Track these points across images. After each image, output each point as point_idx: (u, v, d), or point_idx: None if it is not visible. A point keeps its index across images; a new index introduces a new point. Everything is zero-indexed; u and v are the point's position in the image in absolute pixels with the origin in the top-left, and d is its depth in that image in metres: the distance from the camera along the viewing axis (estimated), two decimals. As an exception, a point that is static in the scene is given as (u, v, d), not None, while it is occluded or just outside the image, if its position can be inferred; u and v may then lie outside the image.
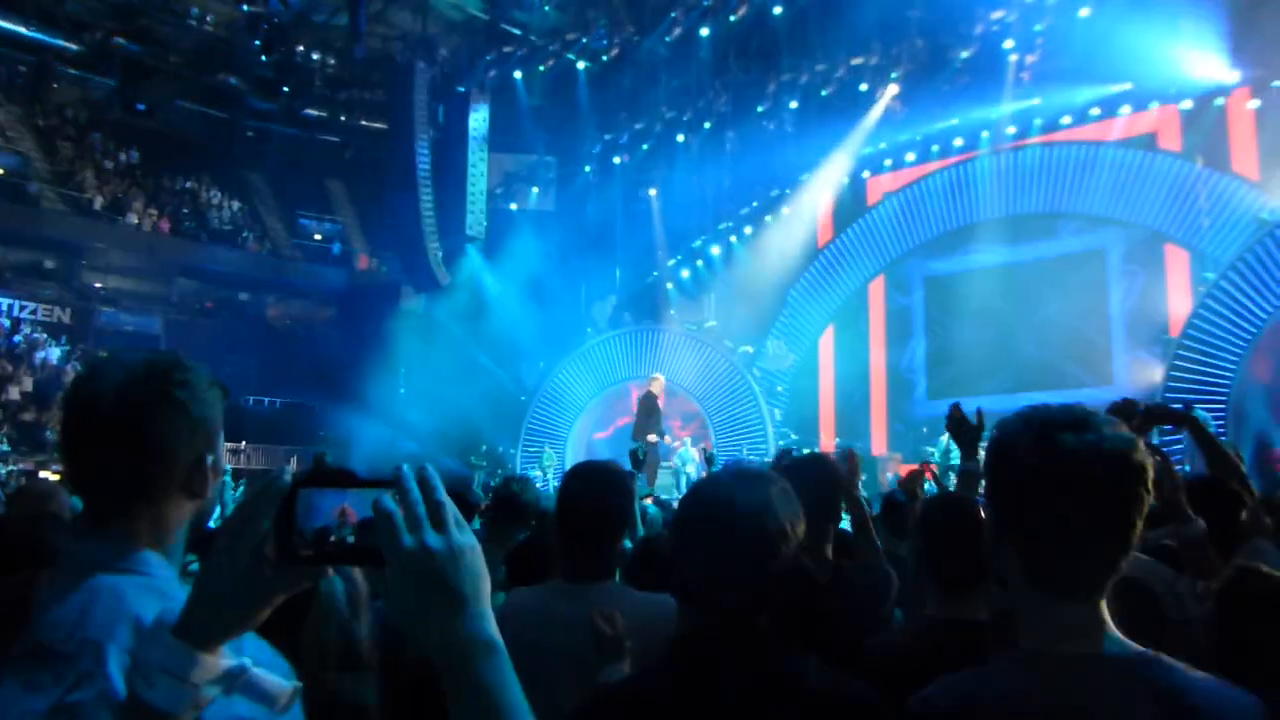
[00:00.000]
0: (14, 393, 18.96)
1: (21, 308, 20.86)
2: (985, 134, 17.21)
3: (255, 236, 24.62)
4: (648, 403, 13.60)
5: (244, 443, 19.17)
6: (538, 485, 2.83)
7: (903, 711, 1.44)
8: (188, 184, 24.02)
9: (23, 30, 19.76)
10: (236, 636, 1.00)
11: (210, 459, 1.33)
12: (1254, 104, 14.90)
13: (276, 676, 1.04)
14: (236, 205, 24.75)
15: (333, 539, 0.99)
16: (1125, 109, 16.00)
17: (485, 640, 0.94)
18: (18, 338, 20.16)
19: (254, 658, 1.03)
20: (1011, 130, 16.91)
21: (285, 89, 20.40)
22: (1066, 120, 16.52)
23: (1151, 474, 1.37)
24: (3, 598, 1.29)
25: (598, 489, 2.58)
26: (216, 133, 20.68)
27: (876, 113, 18.28)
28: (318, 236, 25.17)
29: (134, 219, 22.32)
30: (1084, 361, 15.85)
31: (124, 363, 1.30)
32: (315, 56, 19.85)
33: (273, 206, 24.97)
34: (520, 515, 4.22)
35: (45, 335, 20.68)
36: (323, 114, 21.63)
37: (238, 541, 0.99)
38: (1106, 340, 16.09)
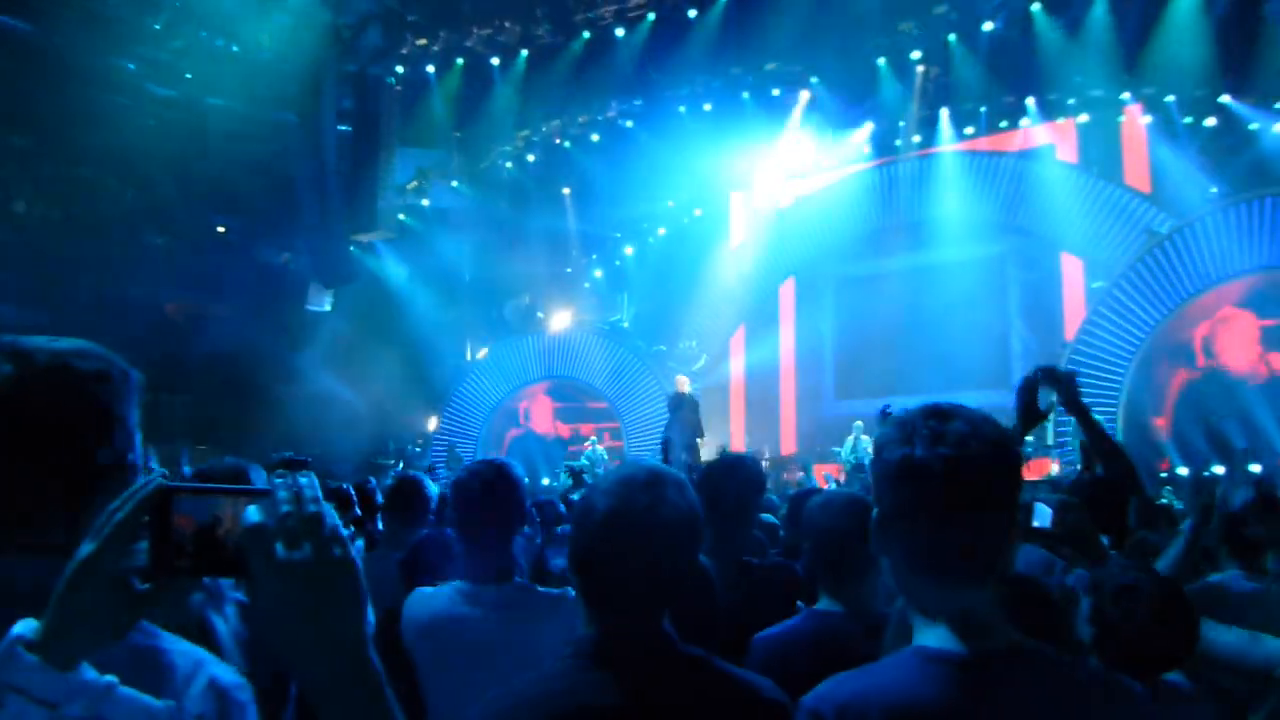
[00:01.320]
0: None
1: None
2: (896, 142, 17.65)
3: (154, 229, 23.72)
4: (690, 404, 13.50)
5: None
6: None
7: (796, 709, 1.45)
8: (82, 173, 23.01)
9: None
10: (102, 651, 0.93)
11: (131, 458, 1.21)
12: (1146, 119, 15.58)
13: (147, 697, 0.97)
14: (134, 196, 23.80)
15: (207, 549, 0.94)
16: (1025, 121, 16.58)
17: (361, 662, 0.89)
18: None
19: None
20: (917, 139, 17.37)
21: (188, 75, 19.69)
22: (970, 130, 17.05)
23: (1021, 463, 1.40)
24: None
25: (495, 487, 2.56)
26: (115, 120, 19.82)
27: (790, 118, 18.56)
28: (220, 229, 24.38)
29: (21, 206, 21.29)
30: (983, 365, 16.35)
31: (24, 353, 1.16)
32: (220, 42, 19.20)
33: (173, 198, 24.10)
34: (416, 514, 4.15)
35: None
36: (223, 102, 20.94)
37: (105, 550, 0.92)
38: (1004, 344, 16.65)
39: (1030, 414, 3.05)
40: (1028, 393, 2.96)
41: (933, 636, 1.40)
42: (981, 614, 1.39)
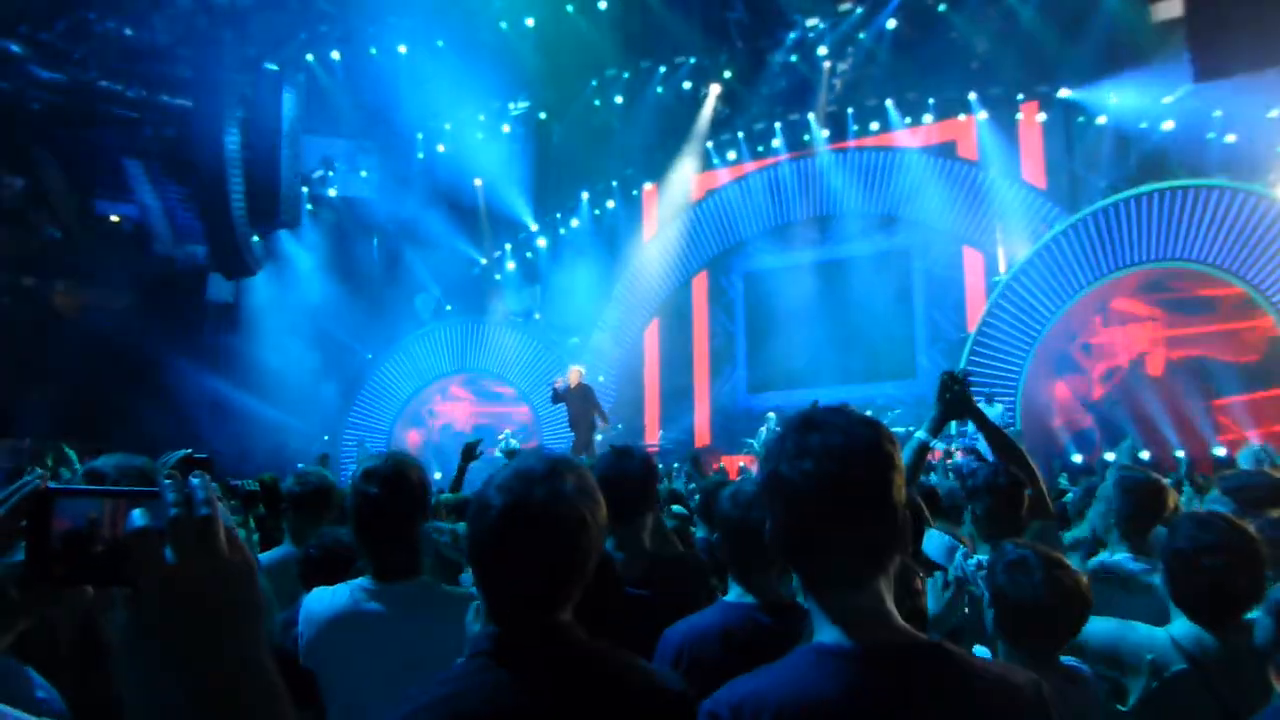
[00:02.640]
0: None
1: None
2: (803, 137, 17.89)
3: (43, 218, 22.69)
4: (582, 391, 13.63)
5: (28, 440, 17.66)
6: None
7: (698, 709, 1.45)
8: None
9: None
10: None
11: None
12: (1041, 117, 16.13)
13: (18, 712, 0.92)
14: (20, 183, 22.73)
15: (88, 554, 0.88)
16: (928, 118, 16.99)
17: (256, 673, 0.84)
18: None
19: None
20: (825, 133, 17.66)
21: (76, 58, 18.84)
22: (875, 126, 17.40)
23: (898, 459, 1.43)
24: None
25: (397, 482, 2.52)
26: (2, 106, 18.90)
27: (702, 112, 18.67)
28: (115, 219, 23.43)
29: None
30: (890, 356, 16.73)
31: None
32: (111, 25, 18.43)
33: (62, 186, 23.07)
34: (321, 512, 4.06)
35: None
36: (119, 87, 20.12)
37: None
38: (910, 335, 17.05)
39: (947, 411, 3.14)
40: (944, 391, 3.04)
41: (828, 634, 1.42)
42: (871, 610, 1.41)
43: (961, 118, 16.67)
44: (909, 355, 16.87)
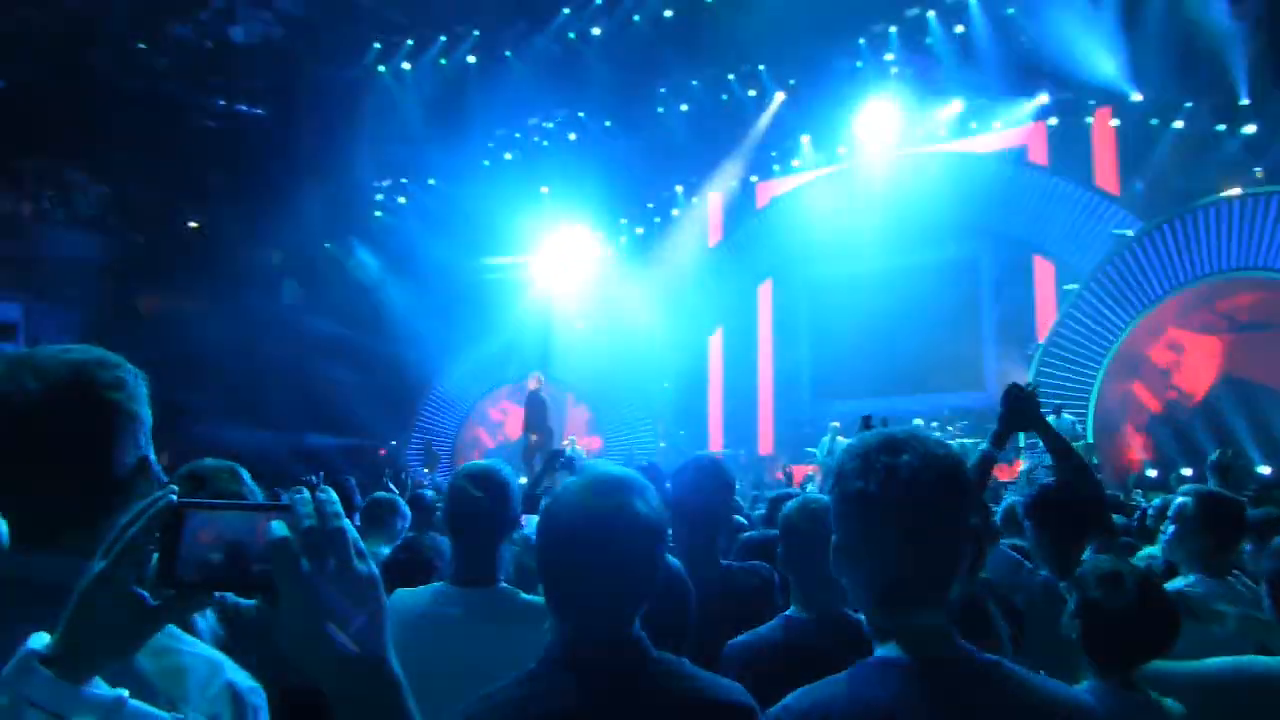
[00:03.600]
0: None
1: None
2: (868, 143, 17.72)
3: (126, 224, 23.51)
4: (534, 402, 13.36)
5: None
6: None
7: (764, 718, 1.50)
8: (52, 168, 22.77)
9: None
10: (113, 666, 0.94)
11: (150, 456, 1.26)
12: (1114, 121, 15.76)
13: (155, 709, 0.99)
14: (105, 192, 23.58)
15: (221, 565, 0.94)
16: (997, 124, 16.71)
17: (386, 674, 0.93)
18: None
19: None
20: (891, 140, 17.48)
21: (157, 69, 19.48)
22: (942, 132, 17.17)
23: (972, 487, 1.47)
24: None
25: (487, 491, 2.57)
26: (83, 114, 19.61)
27: (765, 119, 18.62)
28: (193, 225, 24.16)
29: (-10, 203, 21.08)
30: (957, 367, 16.49)
31: (41, 365, 1.20)
32: (190, 36, 19.02)
33: (145, 193, 23.87)
34: (385, 530, 4.17)
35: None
36: (198, 97, 20.77)
37: (118, 566, 0.93)
38: (978, 346, 16.78)
39: (1009, 424, 3.13)
40: (1007, 403, 3.02)
41: (890, 649, 1.46)
42: (933, 628, 1.45)
43: (1032, 122, 16.38)
44: (976, 366, 16.62)
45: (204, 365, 17.44)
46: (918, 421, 13.38)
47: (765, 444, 18.57)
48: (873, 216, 17.65)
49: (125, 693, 0.95)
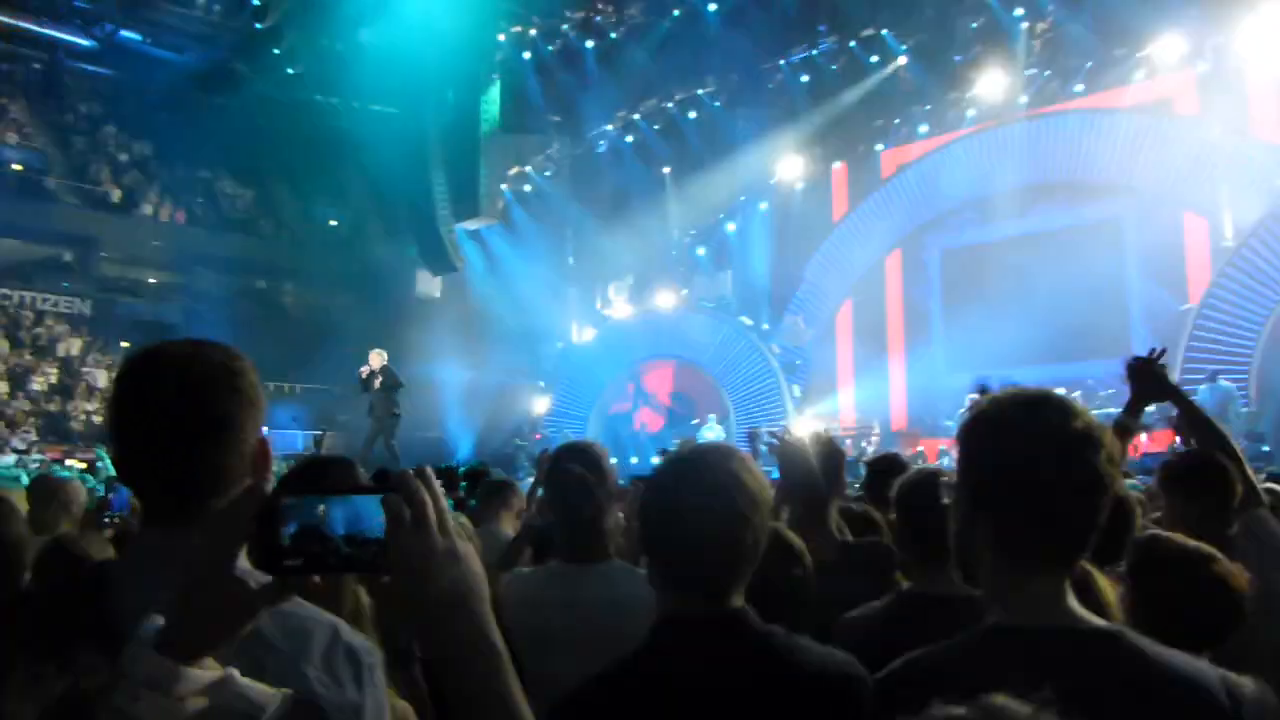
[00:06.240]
0: (38, 384, 19.20)
1: (43, 301, 21.07)
2: (998, 103, 17.00)
3: (271, 224, 24.75)
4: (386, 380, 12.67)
5: (266, 429, 19.27)
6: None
7: (870, 687, 1.47)
8: (202, 174, 24.14)
9: (34, 27, 19.91)
10: (221, 648, 0.98)
11: (267, 441, 1.35)
12: (1273, 65, 14.59)
13: (262, 686, 1.02)
14: (251, 194, 24.87)
15: (320, 549, 0.97)
16: (1140, 74, 15.74)
17: (490, 644, 0.97)
18: (40, 330, 20.40)
19: None
20: (1024, 99, 16.71)
21: (290, 71, 20.37)
22: (1079, 87, 16.30)
23: (1116, 453, 1.39)
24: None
25: (585, 467, 2.60)
26: (229, 122, 20.71)
27: (891, 85, 18.10)
28: (333, 222, 25.26)
29: (149, 210, 22.50)
30: (1102, 332, 15.68)
31: (179, 354, 1.31)
32: (323, 40, 19.80)
33: (286, 193, 25.07)
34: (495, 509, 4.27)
35: (67, 327, 20.90)
36: (333, 99, 21.64)
37: (220, 551, 0.97)
38: (1124, 310, 15.93)
39: (1140, 392, 2.95)
40: (1129, 375, 2.85)
41: (1003, 615, 1.41)
42: (1052, 596, 1.40)
43: (1177, 72, 15.36)
44: (1123, 331, 15.76)
45: (345, 356, 18.20)
46: (1059, 391, 12.81)
47: (898, 418, 18.14)
48: (1005, 180, 16.95)
49: (235, 671, 0.99)
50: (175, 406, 1.26)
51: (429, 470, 0.99)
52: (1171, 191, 15.25)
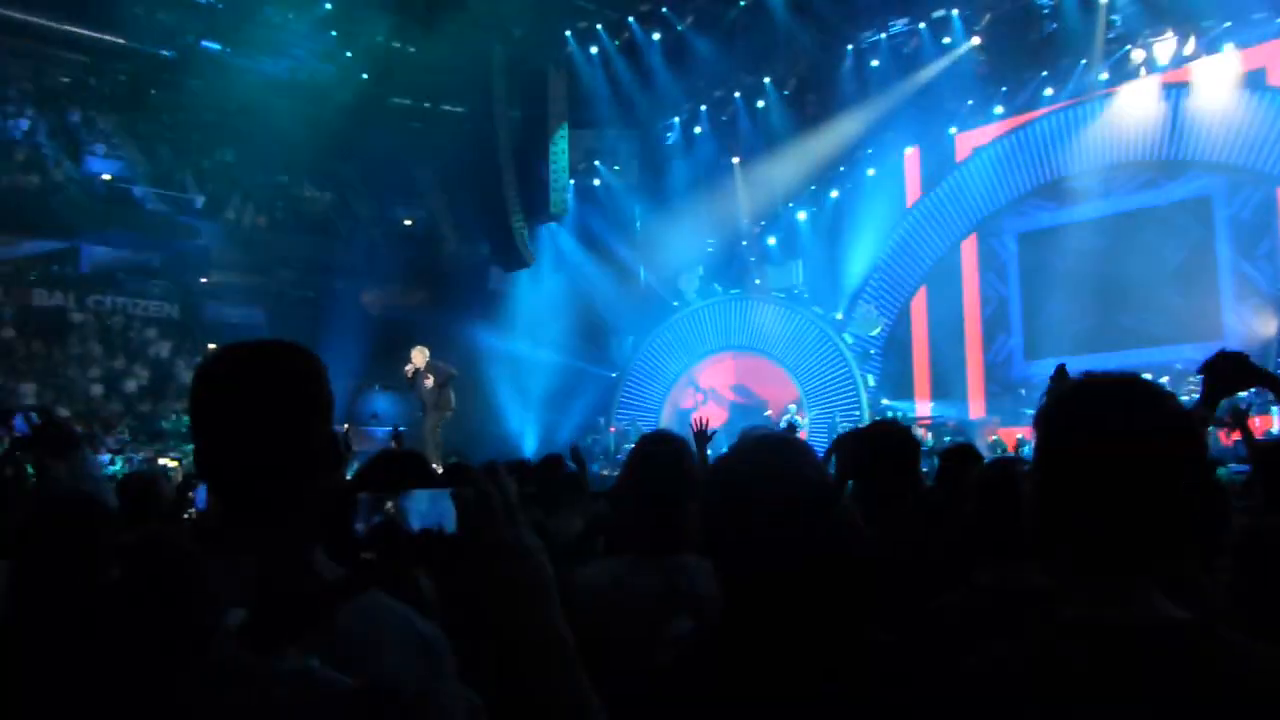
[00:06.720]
0: (131, 386, 19.93)
1: (134, 305, 21.84)
2: (1076, 82, 16.50)
3: (348, 225, 25.26)
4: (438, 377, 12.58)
5: (345, 426, 19.72)
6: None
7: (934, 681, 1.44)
8: (280, 179, 24.74)
9: (120, 41, 20.62)
10: (301, 639, 1.02)
11: (336, 434, 1.40)
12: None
13: (343, 678, 1.06)
14: (329, 197, 25.41)
15: (394, 543, 1.00)
16: (1228, 46, 15.12)
17: (557, 636, 0.99)
18: (131, 334, 21.18)
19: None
20: (1104, 76, 16.20)
21: (365, 77, 20.73)
22: (1163, 62, 15.72)
23: (1205, 440, 1.33)
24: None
25: (660, 459, 2.59)
26: (306, 127, 21.19)
27: (963, 67, 17.69)
28: (408, 222, 25.67)
29: (231, 215, 23.14)
30: (1190, 315, 15.15)
31: (252, 353, 1.37)
32: (395, 44, 20.11)
33: (363, 196, 25.55)
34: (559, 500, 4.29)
35: (157, 330, 21.66)
36: (406, 101, 21.98)
37: (298, 545, 0.99)
38: (1214, 294, 15.34)
39: (1216, 384, 2.84)
40: (1206, 367, 2.73)
41: (1086, 606, 1.36)
42: (1140, 584, 1.34)
43: (1272, 40, 14.71)
44: (1213, 314, 15.20)
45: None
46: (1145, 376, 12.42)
47: (976, 407, 17.78)
48: (1085, 160, 16.47)
49: (317, 662, 1.02)
50: (250, 404, 1.31)
51: (498, 464, 1.00)
52: (1265, 166, 14.66)
